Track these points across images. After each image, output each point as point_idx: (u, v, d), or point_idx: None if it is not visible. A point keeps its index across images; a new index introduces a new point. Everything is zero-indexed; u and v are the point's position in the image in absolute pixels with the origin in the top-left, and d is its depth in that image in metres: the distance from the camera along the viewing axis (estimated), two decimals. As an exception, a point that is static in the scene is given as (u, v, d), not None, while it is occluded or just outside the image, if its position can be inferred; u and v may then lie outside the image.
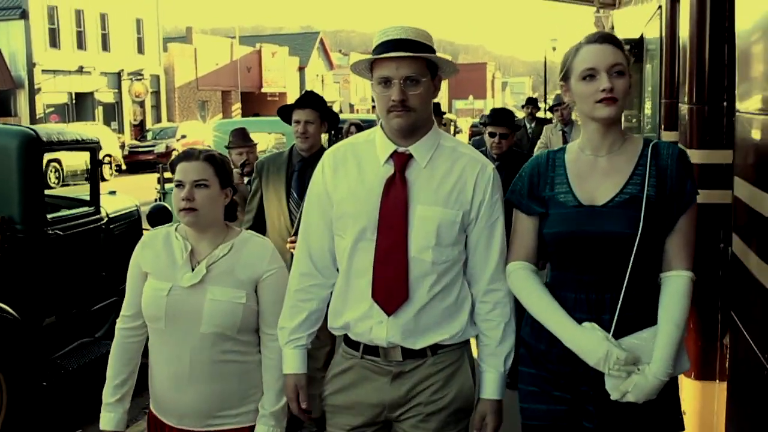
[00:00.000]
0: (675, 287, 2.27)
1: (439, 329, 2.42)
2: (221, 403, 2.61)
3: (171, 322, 2.56)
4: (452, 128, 27.39)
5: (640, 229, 2.22)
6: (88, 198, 5.92)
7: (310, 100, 4.44)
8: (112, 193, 6.93)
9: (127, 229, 6.33)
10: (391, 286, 2.36)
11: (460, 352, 2.48)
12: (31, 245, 5.02)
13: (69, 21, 35.37)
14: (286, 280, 2.63)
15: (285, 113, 4.50)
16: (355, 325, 2.44)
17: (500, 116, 5.53)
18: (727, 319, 2.89)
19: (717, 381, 3.43)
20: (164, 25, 44.68)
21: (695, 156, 3.45)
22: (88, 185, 5.91)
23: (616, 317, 2.24)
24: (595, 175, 2.34)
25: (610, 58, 2.26)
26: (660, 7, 4.63)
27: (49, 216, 5.24)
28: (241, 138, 6.08)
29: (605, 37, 2.33)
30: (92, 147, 5.86)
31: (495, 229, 2.45)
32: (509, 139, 5.45)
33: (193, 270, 2.57)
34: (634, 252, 2.23)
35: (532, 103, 11.62)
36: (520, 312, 2.49)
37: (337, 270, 2.52)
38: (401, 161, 2.39)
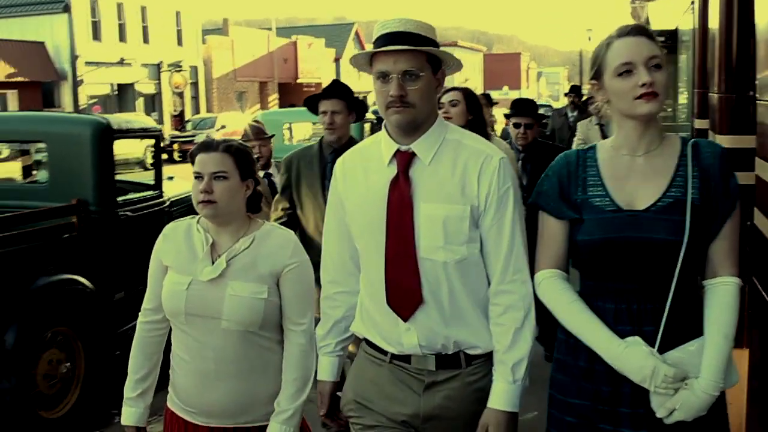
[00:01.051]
0: (722, 296, 2.12)
1: (472, 335, 2.30)
2: (249, 401, 2.53)
3: (191, 318, 2.48)
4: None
5: (686, 235, 2.07)
6: (148, 183, 6.29)
7: (336, 89, 4.25)
8: (170, 178, 7.26)
9: (186, 212, 6.53)
10: (403, 290, 2.26)
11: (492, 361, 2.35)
12: (103, 226, 5.37)
13: (110, 14, 35.97)
14: (309, 273, 2.58)
15: (311, 104, 4.35)
16: (383, 337, 2.36)
17: (522, 106, 5.52)
18: (753, 289, 2.96)
19: (744, 348, 3.68)
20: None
21: (723, 141, 3.68)
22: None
23: (661, 329, 2.09)
24: (633, 176, 2.18)
25: (645, 50, 2.10)
26: (693, 0, 4.86)
27: (118, 199, 5.60)
28: (255, 132, 5.87)
29: (638, 30, 2.16)
30: (156, 135, 6.25)
31: (504, 222, 2.25)
32: (534, 129, 5.45)
33: (213, 263, 2.48)
34: (680, 260, 2.08)
35: (575, 91, 11.31)
36: (548, 322, 2.34)
37: None
38: (404, 160, 2.28)
